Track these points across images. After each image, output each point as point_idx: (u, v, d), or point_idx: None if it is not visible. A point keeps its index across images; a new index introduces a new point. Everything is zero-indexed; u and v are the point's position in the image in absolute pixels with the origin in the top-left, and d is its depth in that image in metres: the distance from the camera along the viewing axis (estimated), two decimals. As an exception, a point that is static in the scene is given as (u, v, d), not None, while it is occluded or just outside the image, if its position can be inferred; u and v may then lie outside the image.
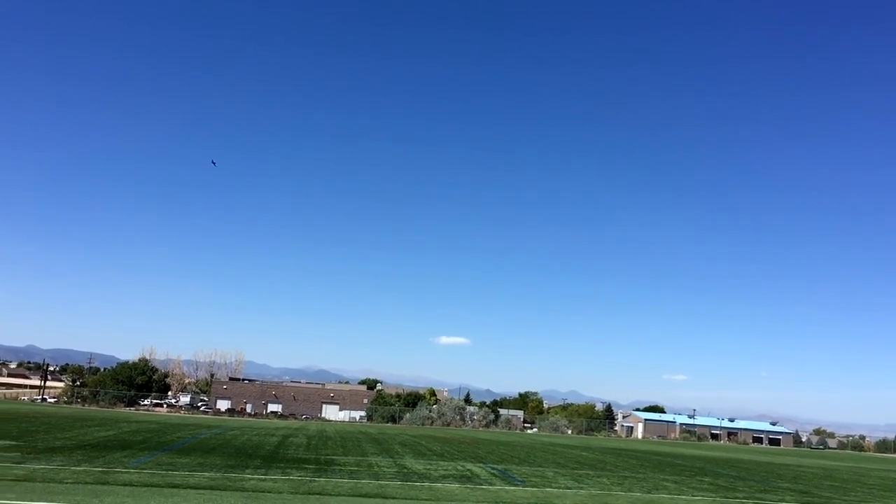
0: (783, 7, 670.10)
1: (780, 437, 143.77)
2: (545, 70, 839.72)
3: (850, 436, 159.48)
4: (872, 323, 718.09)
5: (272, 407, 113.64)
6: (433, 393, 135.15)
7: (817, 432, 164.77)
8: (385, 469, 24.38)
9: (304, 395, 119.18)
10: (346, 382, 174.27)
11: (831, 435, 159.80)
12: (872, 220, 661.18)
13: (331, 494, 17.17)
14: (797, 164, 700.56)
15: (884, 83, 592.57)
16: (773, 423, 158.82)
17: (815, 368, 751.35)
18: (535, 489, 20.72)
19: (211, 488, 17.11)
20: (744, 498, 21.99)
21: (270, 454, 28.43)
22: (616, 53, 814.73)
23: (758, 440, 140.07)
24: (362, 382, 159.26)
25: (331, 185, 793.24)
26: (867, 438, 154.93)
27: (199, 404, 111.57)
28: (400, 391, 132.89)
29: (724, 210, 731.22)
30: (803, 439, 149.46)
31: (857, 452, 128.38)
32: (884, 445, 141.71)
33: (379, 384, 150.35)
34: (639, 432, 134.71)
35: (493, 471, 26.20)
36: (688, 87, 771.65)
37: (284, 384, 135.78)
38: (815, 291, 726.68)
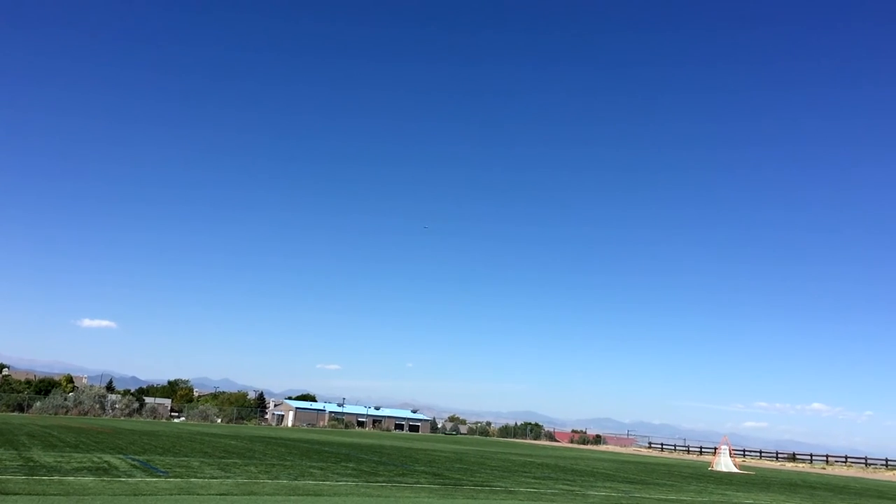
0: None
1: (420, 423, 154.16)
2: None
3: (479, 422, 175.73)
4: (497, 320, 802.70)
5: None
6: (70, 380, 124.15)
7: (451, 419, 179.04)
8: (7, 462, 21.94)
9: None
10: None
11: (463, 421, 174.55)
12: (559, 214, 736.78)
13: (-64, 493, 15.05)
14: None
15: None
16: (414, 411, 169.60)
17: (453, 361, 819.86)
18: (178, 480, 20.03)
19: None
20: (384, 481, 23.27)
21: None
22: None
23: (399, 427, 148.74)
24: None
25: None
26: (492, 425, 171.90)
27: None
28: (31, 377, 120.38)
29: (373, 214, 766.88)
30: (439, 425, 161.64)
31: (484, 437, 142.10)
32: (505, 431, 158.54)
33: (6, 369, 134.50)
34: (289, 420, 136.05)
35: (133, 462, 24.83)
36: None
37: None
38: (441, 291, 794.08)
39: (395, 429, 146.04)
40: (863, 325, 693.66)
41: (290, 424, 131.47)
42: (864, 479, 63.11)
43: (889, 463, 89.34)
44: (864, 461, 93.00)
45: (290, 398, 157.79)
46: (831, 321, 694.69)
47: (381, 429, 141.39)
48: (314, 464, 29.25)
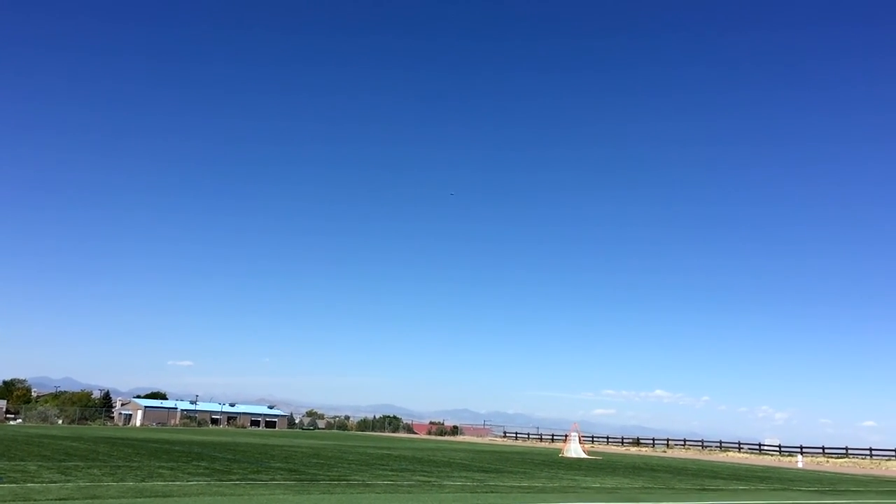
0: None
1: (277, 419, 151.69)
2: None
3: (337, 416, 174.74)
4: (352, 314, 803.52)
5: None
6: None
7: (309, 414, 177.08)
8: None
9: None
10: None
11: (321, 416, 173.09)
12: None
13: None
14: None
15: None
16: (271, 407, 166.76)
17: (311, 355, 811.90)
18: (13, 485, 18.78)
19: None
20: (238, 479, 22.73)
21: None
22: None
23: (255, 423, 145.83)
24: None
25: None
26: (351, 418, 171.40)
27: None
28: None
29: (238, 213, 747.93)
30: (297, 421, 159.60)
31: (343, 431, 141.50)
32: (364, 424, 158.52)
33: None
34: (138, 420, 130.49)
35: (-39, 469, 23.10)
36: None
37: None
38: (295, 284, 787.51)
39: (251, 425, 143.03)
40: (699, 314, 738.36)
41: (138, 424, 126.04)
42: (700, 460, 67.44)
43: (723, 445, 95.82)
44: (700, 444, 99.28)
45: (138, 397, 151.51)
46: (670, 311, 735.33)
47: (236, 426, 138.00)
48: (163, 464, 28.20)
